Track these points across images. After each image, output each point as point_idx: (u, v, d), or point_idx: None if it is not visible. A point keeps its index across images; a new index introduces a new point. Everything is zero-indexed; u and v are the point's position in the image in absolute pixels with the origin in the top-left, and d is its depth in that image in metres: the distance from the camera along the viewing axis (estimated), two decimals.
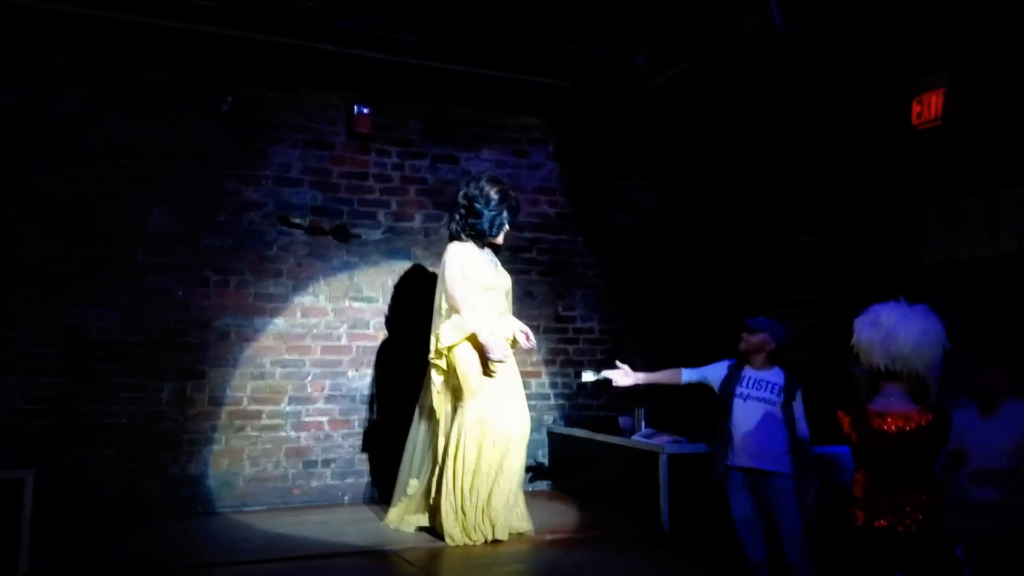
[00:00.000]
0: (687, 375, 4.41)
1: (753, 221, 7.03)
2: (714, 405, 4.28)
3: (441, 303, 5.20)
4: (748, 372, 4.19)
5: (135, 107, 5.77)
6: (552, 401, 6.91)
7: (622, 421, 6.26)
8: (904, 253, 5.48)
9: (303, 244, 6.20)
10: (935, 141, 5.31)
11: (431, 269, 6.30)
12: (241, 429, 5.91)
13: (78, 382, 5.51)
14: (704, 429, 4.88)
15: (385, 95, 6.43)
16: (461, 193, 5.35)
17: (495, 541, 4.88)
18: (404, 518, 5.24)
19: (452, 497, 4.90)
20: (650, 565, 4.62)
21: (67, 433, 5.45)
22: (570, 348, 7.01)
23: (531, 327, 5.50)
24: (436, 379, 5.11)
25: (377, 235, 6.43)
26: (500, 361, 5.03)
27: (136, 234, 5.75)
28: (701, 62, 6.14)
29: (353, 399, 6.25)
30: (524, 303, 6.53)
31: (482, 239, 5.32)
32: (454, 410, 5.08)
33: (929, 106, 5.30)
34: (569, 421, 6.85)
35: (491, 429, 4.95)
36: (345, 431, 6.20)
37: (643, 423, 5.99)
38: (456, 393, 5.08)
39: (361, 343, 6.31)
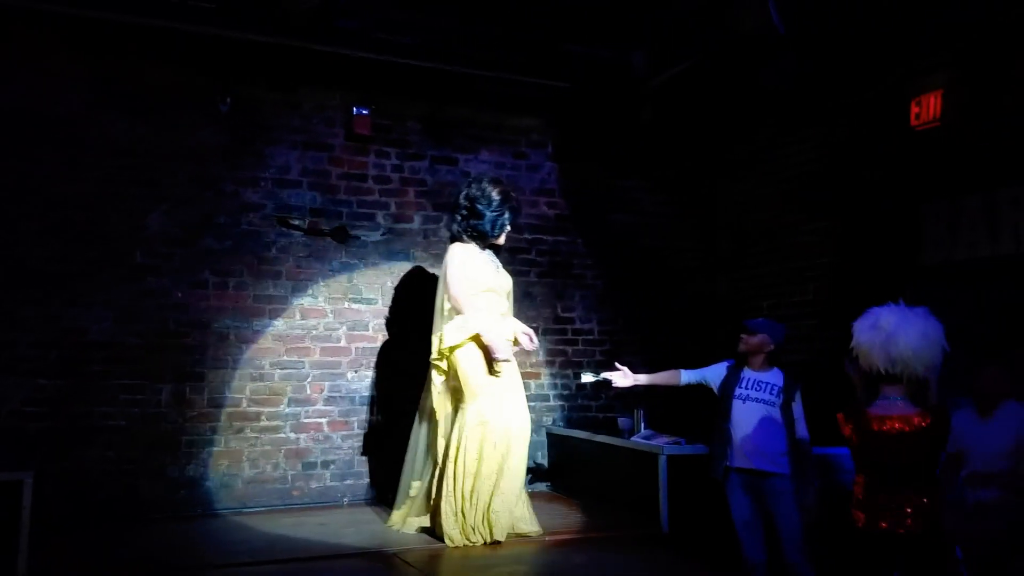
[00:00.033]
0: (686, 376, 4.42)
1: (753, 221, 7.03)
2: (713, 406, 4.29)
3: (443, 304, 5.18)
4: (747, 373, 4.19)
5: (135, 107, 5.77)
6: (551, 402, 6.90)
7: (621, 422, 6.26)
8: (904, 253, 5.48)
9: (302, 245, 6.20)
10: (935, 141, 5.31)
11: (430, 270, 6.30)
12: (240, 430, 5.91)
13: (77, 383, 5.51)
14: (703, 430, 4.88)
15: (384, 96, 6.43)
16: (462, 194, 5.34)
17: (494, 543, 4.87)
18: (407, 520, 5.23)
19: (452, 499, 4.90)
20: (649, 566, 4.62)
21: (66, 434, 5.44)
22: (569, 349, 7.00)
23: (530, 328, 5.50)
24: (436, 380, 5.11)
25: (376, 236, 6.42)
26: (506, 360, 5.03)
27: (135, 235, 5.74)
28: (700, 62, 6.14)
29: (352, 401, 6.24)
30: (523, 304, 6.52)
31: (484, 240, 5.32)
32: (455, 411, 5.07)
33: (928, 106, 5.31)
34: (568, 422, 6.85)
35: (492, 431, 4.94)
36: (344, 432, 6.19)
37: (642, 424, 5.99)
38: (456, 394, 5.08)
39: (360, 344, 6.31)
